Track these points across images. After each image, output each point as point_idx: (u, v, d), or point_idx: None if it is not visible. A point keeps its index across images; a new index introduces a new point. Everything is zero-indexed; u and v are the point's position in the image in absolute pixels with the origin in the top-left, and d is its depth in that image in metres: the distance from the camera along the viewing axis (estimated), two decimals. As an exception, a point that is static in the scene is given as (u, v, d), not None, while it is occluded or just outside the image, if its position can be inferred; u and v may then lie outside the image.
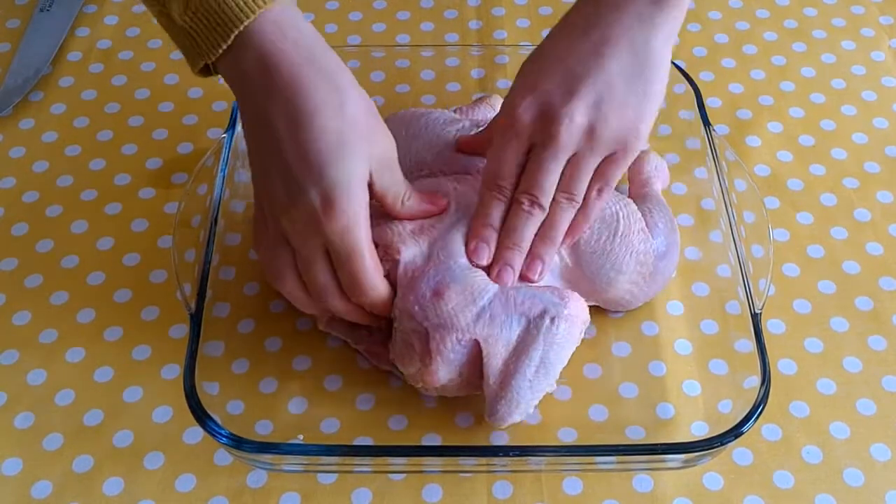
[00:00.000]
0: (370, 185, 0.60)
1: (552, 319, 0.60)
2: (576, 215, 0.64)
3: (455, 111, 0.75)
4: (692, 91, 0.75)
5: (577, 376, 0.65)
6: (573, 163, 0.62)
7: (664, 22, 0.62)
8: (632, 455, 0.60)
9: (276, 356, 0.68)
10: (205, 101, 0.84)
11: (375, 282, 0.61)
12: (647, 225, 0.67)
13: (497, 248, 0.63)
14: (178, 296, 0.65)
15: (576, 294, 0.62)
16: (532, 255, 0.64)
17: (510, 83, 0.65)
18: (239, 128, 0.72)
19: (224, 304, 0.69)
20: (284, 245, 0.61)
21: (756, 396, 0.59)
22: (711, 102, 0.84)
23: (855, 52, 0.89)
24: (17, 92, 0.84)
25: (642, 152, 0.75)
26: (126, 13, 0.93)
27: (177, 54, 0.88)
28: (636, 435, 0.64)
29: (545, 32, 0.66)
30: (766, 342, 0.61)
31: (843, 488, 0.62)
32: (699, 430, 0.63)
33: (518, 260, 0.63)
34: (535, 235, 0.63)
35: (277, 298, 0.70)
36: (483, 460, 0.61)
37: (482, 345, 0.59)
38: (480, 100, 0.78)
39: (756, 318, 0.62)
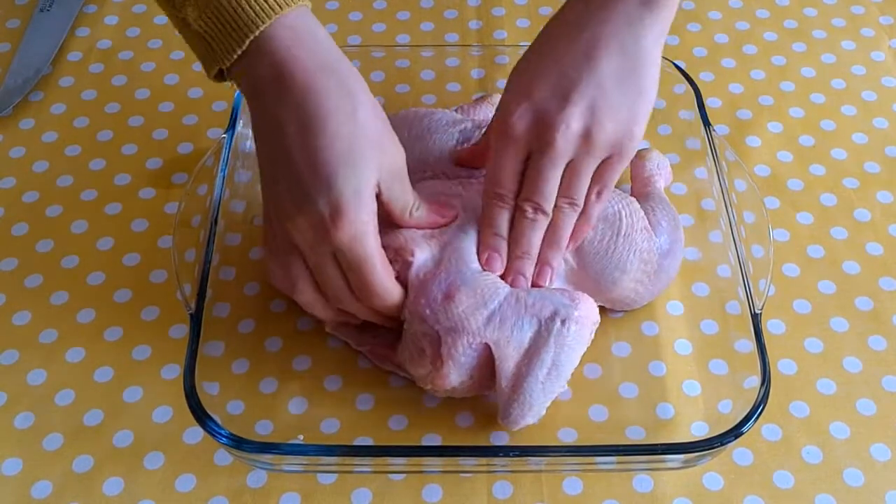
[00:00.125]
0: (378, 195, 0.60)
1: (563, 322, 0.60)
2: (577, 219, 0.64)
3: (456, 110, 0.75)
4: (692, 91, 0.75)
5: (577, 376, 0.65)
6: (571, 168, 0.62)
7: (654, 22, 0.62)
8: (632, 455, 0.60)
9: (276, 356, 0.68)
10: (205, 101, 0.84)
11: (387, 287, 0.61)
12: (650, 223, 0.67)
13: (508, 259, 0.63)
14: (178, 296, 0.65)
15: (585, 295, 0.62)
16: (541, 262, 0.64)
17: (510, 84, 0.65)
18: (239, 128, 0.73)
19: (224, 304, 0.69)
20: (295, 253, 0.60)
21: (756, 396, 0.59)
22: (711, 102, 0.84)
23: (855, 52, 0.89)
24: (17, 92, 0.84)
25: (644, 150, 0.75)
26: (126, 13, 0.93)
27: (177, 54, 0.88)
28: (636, 435, 0.64)
29: (545, 33, 0.66)
30: (766, 342, 0.61)
31: (843, 488, 0.62)
32: (699, 430, 0.63)
33: (529, 267, 0.64)
34: (543, 241, 0.64)
35: (277, 298, 0.70)
36: (483, 460, 0.61)
37: (493, 348, 0.60)
38: (482, 99, 0.78)
39: (756, 318, 0.62)
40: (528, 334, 0.60)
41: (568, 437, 0.64)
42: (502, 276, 0.63)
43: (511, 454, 0.59)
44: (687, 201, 0.76)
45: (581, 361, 0.62)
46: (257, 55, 0.58)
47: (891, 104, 0.84)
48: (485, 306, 0.60)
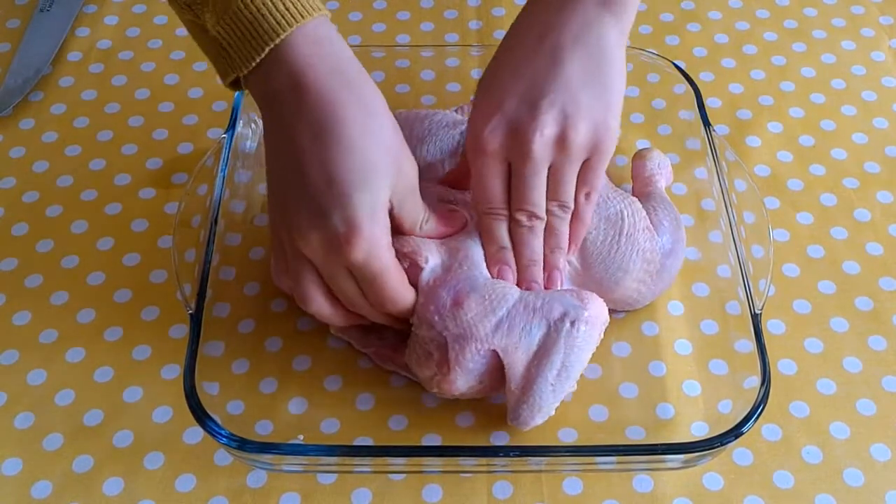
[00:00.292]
0: (389, 210, 0.59)
1: (572, 323, 0.60)
2: (572, 221, 0.64)
3: (456, 110, 0.75)
4: (692, 91, 0.75)
5: (577, 376, 0.66)
6: (554, 172, 0.62)
7: (614, 21, 0.62)
8: (632, 455, 0.60)
9: (276, 356, 0.68)
10: (205, 101, 0.84)
11: (402, 293, 0.61)
12: (651, 223, 0.67)
13: (518, 271, 0.63)
14: (178, 296, 0.65)
15: (594, 295, 0.62)
16: (548, 268, 0.64)
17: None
18: (239, 128, 0.73)
19: (224, 304, 0.68)
20: (306, 265, 0.60)
21: (756, 396, 0.59)
22: (711, 102, 0.84)
23: (855, 52, 0.89)
24: (17, 92, 0.84)
25: (645, 150, 0.75)
26: (126, 13, 0.93)
27: (177, 54, 0.88)
28: (636, 435, 0.64)
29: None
30: (766, 342, 0.61)
31: (843, 488, 0.62)
32: (699, 430, 0.63)
33: (539, 273, 0.64)
34: (545, 247, 0.64)
35: (278, 298, 0.70)
36: (483, 460, 0.61)
37: (501, 355, 0.59)
38: (480, 99, 0.78)
39: (756, 319, 0.62)
40: (536, 337, 0.60)
41: (568, 437, 0.64)
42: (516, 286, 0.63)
43: (511, 454, 0.59)
44: (687, 201, 0.76)
45: (581, 361, 0.62)
46: (275, 64, 0.57)
47: (891, 104, 0.84)
48: (493, 313, 0.60)
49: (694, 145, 0.75)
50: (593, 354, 0.62)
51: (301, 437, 0.64)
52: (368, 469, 0.62)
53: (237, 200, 0.73)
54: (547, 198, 0.63)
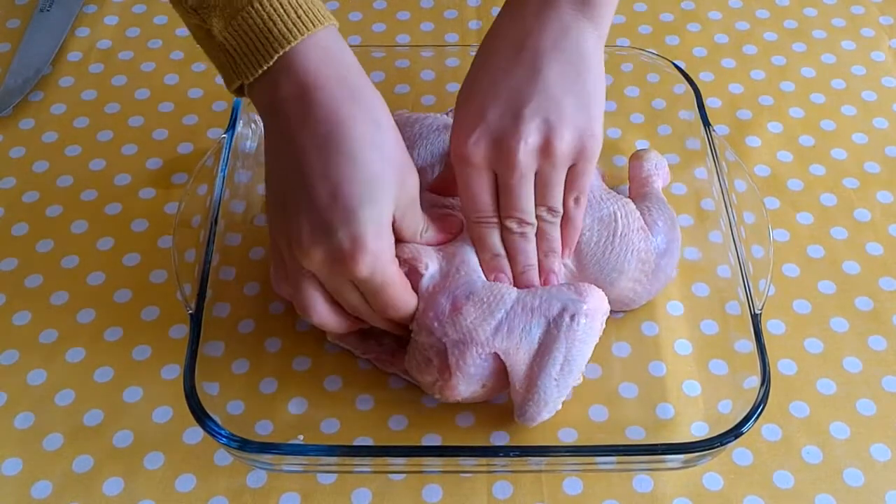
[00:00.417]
0: (391, 222, 0.59)
1: (572, 317, 0.60)
2: (563, 227, 0.64)
3: (448, 113, 0.75)
4: (692, 91, 0.75)
5: (577, 376, 0.66)
6: (540, 179, 0.62)
7: (592, 25, 0.61)
8: (632, 455, 0.60)
9: (276, 356, 0.68)
10: (205, 101, 0.84)
11: (406, 301, 0.61)
12: (646, 223, 0.67)
13: (514, 277, 0.63)
14: (178, 296, 0.65)
15: (592, 286, 0.62)
16: (544, 273, 0.64)
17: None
18: (239, 128, 0.73)
19: (224, 304, 0.68)
20: (308, 277, 0.59)
21: (756, 396, 0.59)
22: (711, 102, 0.84)
23: (855, 52, 0.89)
24: (17, 92, 0.84)
25: (642, 151, 0.75)
26: (126, 13, 0.93)
27: (177, 54, 0.88)
28: (636, 435, 0.64)
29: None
30: (766, 342, 0.61)
31: (843, 488, 0.62)
32: (699, 430, 0.63)
33: (535, 278, 0.64)
34: (539, 252, 0.64)
35: (278, 299, 0.70)
36: (483, 460, 0.61)
37: (503, 357, 0.60)
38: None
39: (756, 319, 0.62)
40: (537, 336, 0.60)
41: (568, 437, 0.64)
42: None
43: (511, 454, 0.59)
44: (687, 201, 0.76)
45: (581, 361, 0.62)
46: (282, 72, 0.57)
47: (891, 104, 0.84)
48: (492, 316, 0.60)
49: (694, 145, 0.75)
50: (594, 354, 0.62)
51: (301, 437, 0.64)
52: (368, 469, 0.62)
53: (237, 200, 0.73)
54: (536, 203, 0.62)
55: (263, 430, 0.64)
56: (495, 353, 0.60)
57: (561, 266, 0.65)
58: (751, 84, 0.86)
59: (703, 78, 0.86)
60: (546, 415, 0.61)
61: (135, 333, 0.69)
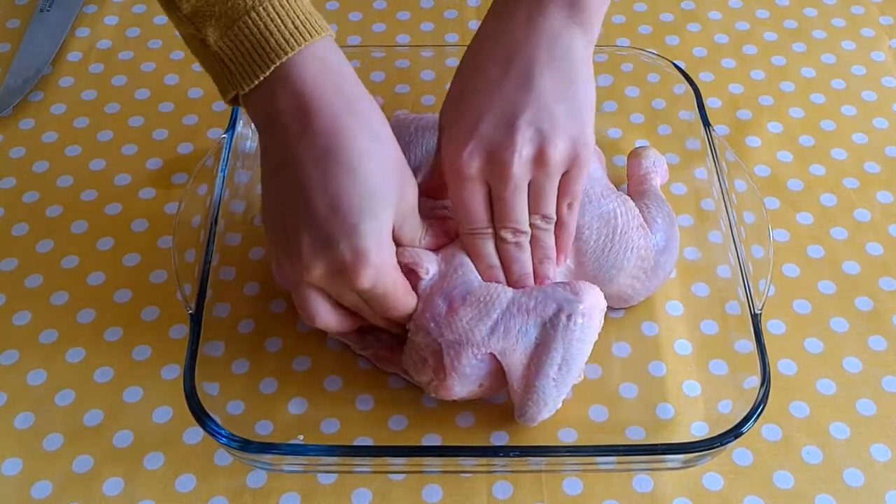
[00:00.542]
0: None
1: (568, 317, 0.60)
2: (557, 232, 0.64)
3: None
4: (692, 91, 0.75)
5: (577, 376, 0.65)
6: (534, 188, 0.62)
7: (582, 33, 0.61)
8: (632, 455, 0.60)
9: (276, 356, 0.68)
10: (205, 101, 0.84)
11: (408, 302, 0.61)
12: (645, 220, 0.67)
13: (510, 286, 0.63)
14: (178, 296, 0.65)
15: (587, 284, 0.62)
16: (539, 280, 0.63)
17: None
18: (239, 128, 0.73)
19: (224, 305, 0.69)
20: (309, 286, 0.59)
21: (756, 396, 0.59)
22: (711, 102, 0.84)
23: (855, 52, 0.89)
24: (17, 92, 0.84)
25: (641, 148, 0.75)
26: (126, 13, 0.93)
27: (177, 54, 0.88)
28: (636, 435, 0.64)
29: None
30: (766, 342, 0.61)
31: (843, 488, 0.62)
32: (699, 430, 0.63)
33: (532, 285, 0.63)
34: (534, 259, 0.64)
35: (277, 298, 0.70)
36: (483, 460, 0.61)
37: (500, 357, 0.60)
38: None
39: (756, 319, 0.62)
40: (534, 336, 0.60)
41: (568, 437, 0.64)
42: None
43: (511, 454, 0.59)
44: (687, 201, 0.76)
45: (581, 361, 0.62)
46: (279, 83, 0.56)
47: (891, 104, 0.84)
48: (488, 316, 0.60)
49: (694, 145, 0.75)
50: (593, 354, 0.62)
51: (301, 437, 0.64)
52: (368, 469, 0.62)
53: (237, 200, 0.73)
54: (529, 211, 0.62)
55: (263, 430, 0.64)
56: (492, 353, 0.60)
57: (556, 272, 0.65)
58: (751, 84, 0.86)
59: (703, 78, 0.86)
60: (546, 414, 0.61)
61: (135, 333, 0.69)
